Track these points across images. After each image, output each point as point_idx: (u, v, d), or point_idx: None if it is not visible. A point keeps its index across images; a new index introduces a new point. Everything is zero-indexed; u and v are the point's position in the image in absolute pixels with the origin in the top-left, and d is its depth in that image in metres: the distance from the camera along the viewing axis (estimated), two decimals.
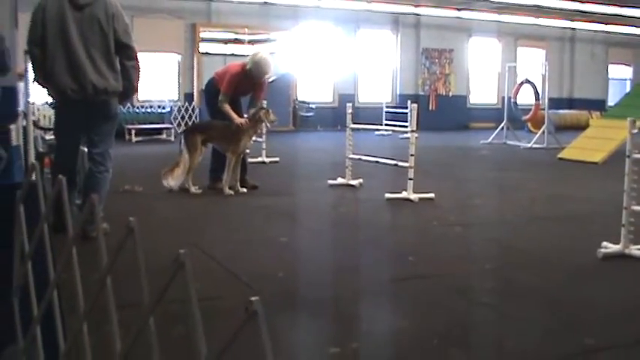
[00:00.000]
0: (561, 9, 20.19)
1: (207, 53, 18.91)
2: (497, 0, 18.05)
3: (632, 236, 5.37)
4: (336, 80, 21.51)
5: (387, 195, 7.96)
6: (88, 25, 5.44)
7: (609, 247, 5.40)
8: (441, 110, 22.67)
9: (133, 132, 16.36)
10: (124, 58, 5.64)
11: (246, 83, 8.42)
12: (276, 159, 11.75)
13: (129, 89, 5.75)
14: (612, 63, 27.36)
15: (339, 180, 9.04)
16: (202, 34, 19.03)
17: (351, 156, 9.05)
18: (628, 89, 23.10)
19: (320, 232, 6.48)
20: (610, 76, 27.49)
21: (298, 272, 4.92)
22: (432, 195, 7.98)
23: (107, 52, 5.52)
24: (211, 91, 8.70)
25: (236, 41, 19.26)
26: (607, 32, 24.65)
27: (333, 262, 5.23)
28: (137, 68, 5.72)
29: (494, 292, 4.54)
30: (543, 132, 16.01)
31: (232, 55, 18.70)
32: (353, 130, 9.25)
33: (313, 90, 21.32)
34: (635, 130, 5.53)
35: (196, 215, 7.24)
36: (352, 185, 8.88)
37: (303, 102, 20.93)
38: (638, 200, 5.40)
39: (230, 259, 5.16)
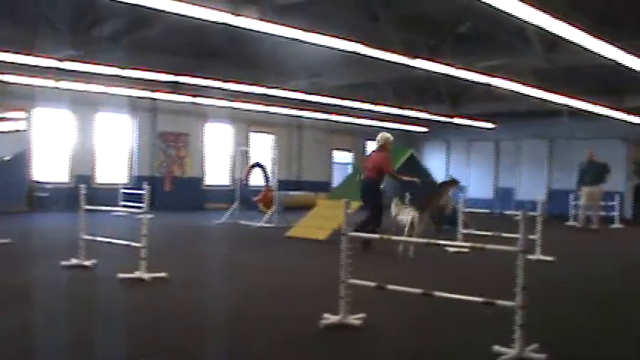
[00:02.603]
0: (289, 98, 21.35)
1: None
2: (230, 88, 18.81)
3: (349, 307, 5.81)
4: (72, 161, 21.16)
5: (120, 275, 8.02)
6: None
7: (330, 318, 5.82)
8: (177, 191, 23.07)
9: None
10: None
11: None
12: (7, 240, 11.13)
13: None
14: (335, 149, 29.78)
15: (73, 261, 8.90)
16: None
17: (85, 237, 8.95)
18: (349, 172, 25.05)
19: (48, 314, 6.26)
20: (334, 160, 29.81)
21: (28, 353, 4.97)
22: (164, 274, 8.12)
23: None
24: (374, 186, 12.03)
25: None
26: (330, 121, 26.41)
27: (63, 341, 5.25)
28: None
29: None
30: (273, 212, 16.96)
31: None
32: (90, 210, 9.19)
33: (49, 170, 20.71)
34: (350, 210, 5.90)
35: None
36: (86, 266, 8.80)
37: (39, 182, 20.20)
38: (354, 274, 5.81)
39: None
